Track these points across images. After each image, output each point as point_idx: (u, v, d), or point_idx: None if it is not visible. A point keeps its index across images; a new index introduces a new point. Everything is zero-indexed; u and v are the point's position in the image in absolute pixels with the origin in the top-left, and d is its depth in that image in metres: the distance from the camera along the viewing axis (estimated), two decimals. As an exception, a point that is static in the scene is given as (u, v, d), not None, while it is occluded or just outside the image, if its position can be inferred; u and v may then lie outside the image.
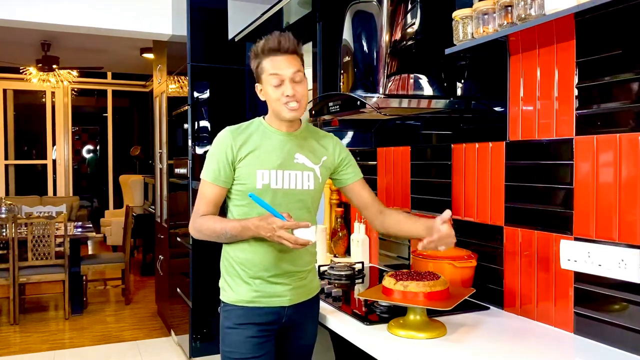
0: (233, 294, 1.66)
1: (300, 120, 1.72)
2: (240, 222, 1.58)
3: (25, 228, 4.51)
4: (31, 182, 8.46)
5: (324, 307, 1.84)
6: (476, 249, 1.92)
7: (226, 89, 3.67)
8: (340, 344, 1.82)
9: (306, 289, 1.72)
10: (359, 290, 2.13)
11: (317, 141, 1.74)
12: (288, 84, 1.57)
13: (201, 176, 1.66)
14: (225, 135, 1.64)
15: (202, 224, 1.63)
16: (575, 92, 1.53)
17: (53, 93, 8.40)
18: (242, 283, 1.64)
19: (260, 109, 3.67)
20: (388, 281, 1.58)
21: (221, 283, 1.72)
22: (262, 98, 1.66)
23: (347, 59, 2.09)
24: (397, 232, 1.76)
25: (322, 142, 1.75)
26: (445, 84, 1.96)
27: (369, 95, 1.89)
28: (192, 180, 3.57)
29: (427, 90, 1.93)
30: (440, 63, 1.92)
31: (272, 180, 1.61)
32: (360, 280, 2.26)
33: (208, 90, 3.64)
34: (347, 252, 2.76)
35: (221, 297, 1.70)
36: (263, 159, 1.62)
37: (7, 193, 8.10)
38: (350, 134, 2.80)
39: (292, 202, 1.64)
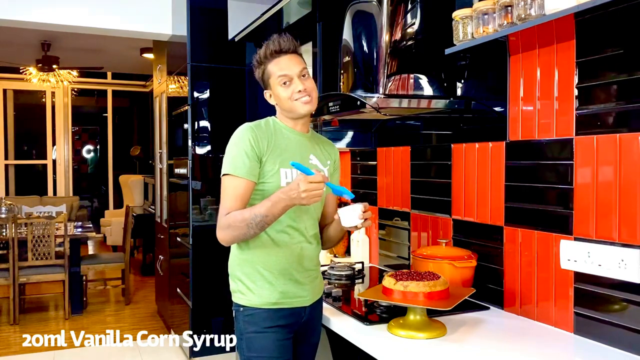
0: (255, 297, 1.61)
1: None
2: (270, 198, 1.50)
3: (25, 228, 4.51)
4: (31, 182, 8.45)
5: (324, 307, 1.84)
6: (476, 249, 1.92)
7: (226, 89, 3.67)
8: (337, 343, 1.82)
9: (318, 288, 1.74)
10: (359, 290, 2.13)
11: (322, 146, 1.76)
12: (297, 80, 1.59)
13: (227, 172, 1.56)
14: (248, 130, 1.60)
15: (230, 217, 1.52)
16: (575, 92, 1.53)
17: (53, 93, 8.39)
18: (265, 284, 1.61)
19: (260, 109, 3.67)
20: (388, 281, 1.58)
21: (237, 287, 1.66)
22: (272, 102, 1.67)
23: (347, 59, 2.09)
24: (328, 232, 1.77)
25: (326, 148, 1.77)
26: (445, 84, 1.96)
27: (369, 95, 1.89)
28: (192, 180, 3.57)
29: (427, 90, 1.93)
30: (440, 63, 1.92)
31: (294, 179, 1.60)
32: (360, 280, 2.26)
33: (208, 90, 3.63)
34: (347, 252, 2.76)
35: (238, 301, 1.65)
36: (285, 157, 1.61)
37: (7, 193, 8.09)
38: (350, 134, 2.79)
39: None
